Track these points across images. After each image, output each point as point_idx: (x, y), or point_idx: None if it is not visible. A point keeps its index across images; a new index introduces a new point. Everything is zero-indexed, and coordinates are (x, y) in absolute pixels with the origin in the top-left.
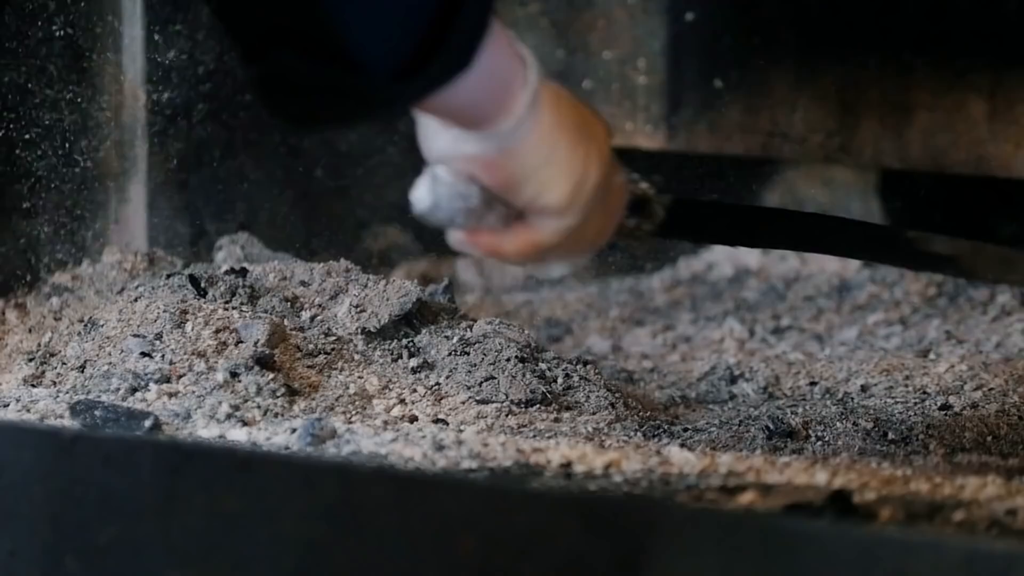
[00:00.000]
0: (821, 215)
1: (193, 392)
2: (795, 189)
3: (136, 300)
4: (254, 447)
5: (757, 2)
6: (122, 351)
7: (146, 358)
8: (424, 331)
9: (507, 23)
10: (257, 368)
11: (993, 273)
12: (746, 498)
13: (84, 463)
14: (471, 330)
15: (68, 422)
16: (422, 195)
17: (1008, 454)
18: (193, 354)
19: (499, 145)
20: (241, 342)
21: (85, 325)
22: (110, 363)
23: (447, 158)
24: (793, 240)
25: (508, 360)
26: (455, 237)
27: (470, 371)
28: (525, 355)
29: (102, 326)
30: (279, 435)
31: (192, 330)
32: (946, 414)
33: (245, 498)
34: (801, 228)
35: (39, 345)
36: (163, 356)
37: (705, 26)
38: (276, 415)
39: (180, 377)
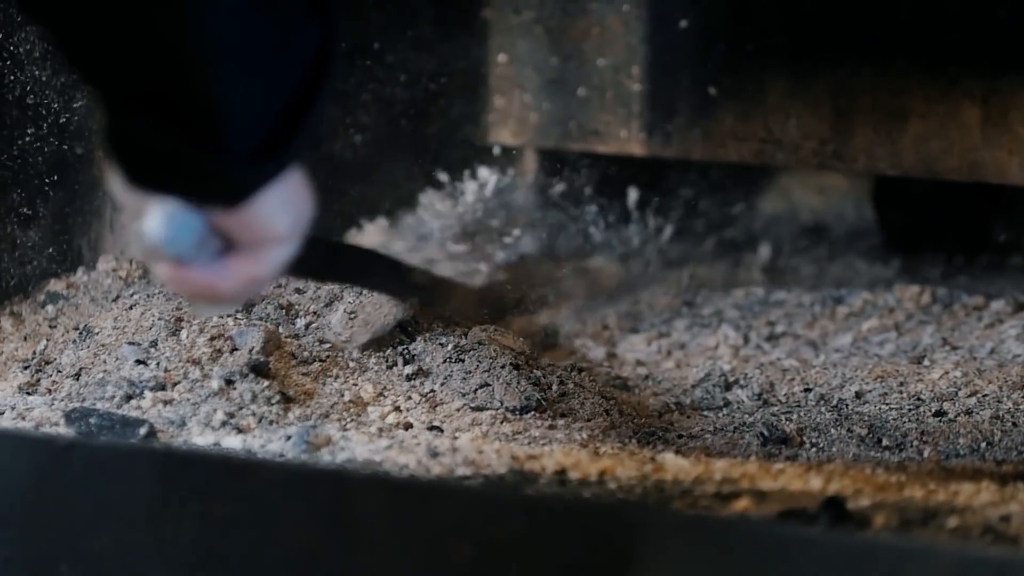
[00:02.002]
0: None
1: (188, 400)
2: (789, 196)
3: (131, 308)
4: (249, 454)
5: (750, 9)
6: (117, 359)
7: (141, 365)
8: (419, 338)
9: (502, 31)
10: (252, 375)
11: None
12: (740, 505)
13: (79, 471)
14: (465, 337)
15: (63, 430)
16: (155, 228)
17: (1002, 460)
18: (188, 361)
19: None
20: (236, 349)
21: (80, 333)
22: (105, 371)
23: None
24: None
25: (503, 367)
26: (167, 273)
27: (465, 378)
28: (519, 362)
29: (97, 334)
30: (274, 442)
31: (187, 338)
32: (940, 420)
33: (240, 506)
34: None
35: (34, 353)
36: (158, 364)
37: (699, 33)
38: (271, 422)
39: (175, 385)
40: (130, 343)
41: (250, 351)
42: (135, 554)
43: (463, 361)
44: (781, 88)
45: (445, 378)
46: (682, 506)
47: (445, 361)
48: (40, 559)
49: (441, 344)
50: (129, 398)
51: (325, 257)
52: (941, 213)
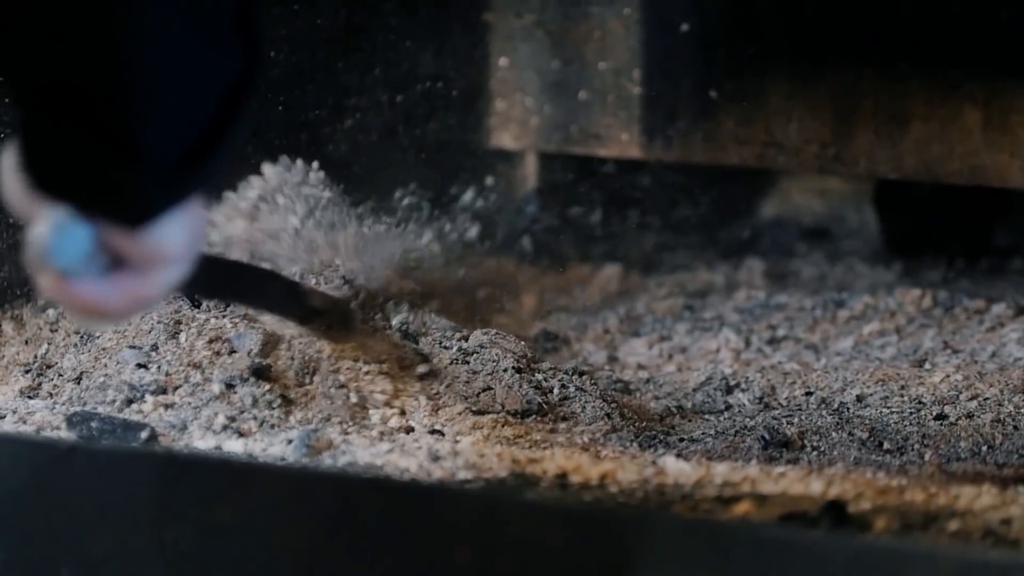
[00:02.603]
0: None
1: (189, 403)
2: (790, 199)
3: None
4: (250, 458)
5: (752, 13)
6: (118, 362)
7: (142, 369)
8: (423, 341)
9: (503, 35)
10: (253, 379)
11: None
12: (741, 508)
13: (80, 474)
14: (467, 340)
15: (65, 434)
16: (44, 237)
17: (1003, 464)
18: (188, 365)
19: None
20: (234, 351)
21: (81, 337)
22: (106, 375)
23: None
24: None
25: (505, 370)
26: (50, 284)
27: (468, 382)
28: (521, 365)
29: (98, 338)
30: (275, 446)
31: (186, 340)
32: (941, 424)
33: (241, 509)
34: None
35: (35, 357)
36: (159, 367)
37: (700, 37)
38: (272, 426)
39: (176, 388)
40: (131, 347)
41: (248, 353)
42: (136, 558)
43: (468, 363)
44: (782, 91)
45: (451, 380)
46: (683, 510)
47: (452, 363)
48: (42, 563)
49: (446, 347)
50: (130, 402)
51: (221, 276)
52: (942, 217)
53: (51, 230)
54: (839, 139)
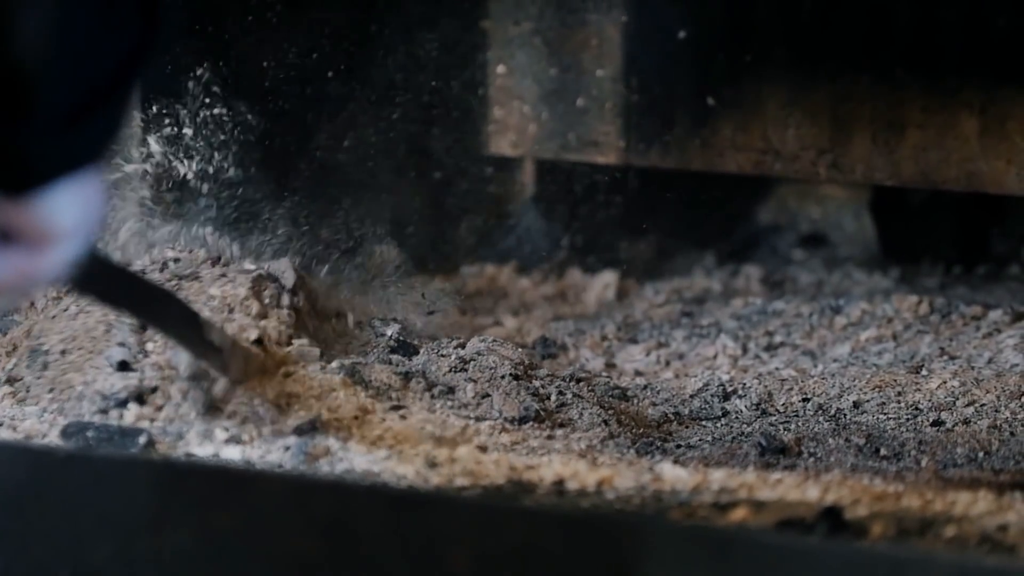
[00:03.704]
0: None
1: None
2: (788, 206)
3: (75, 317)
4: (248, 465)
5: (749, 21)
6: (90, 374)
7: (123, 371)
8: (422, 350)
9: (500, 42)
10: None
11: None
12: (738, 514)
13: (78, 482)
14: (463, 348)
15: (61, 445)
16: None
17: (999, 470)
18: (165, 372)
19: None
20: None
21: (32, 352)
22: (84, 382)
23: None
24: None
25: (502, 377)
26: None
27: (466, 389)
28: (519, 372)
29: (47, 351)
30: (273, 453)
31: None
32: (938, 430)
33: (239, 516)
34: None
35: (2, 370)
36: (140, 374)
37: (698, 44)
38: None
39: (153, 391)
40: (106, 355)
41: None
42: (135, 564)
43: (466, 371)
44: (780, 99)
45: (450, 388)
46: (680, 516)
47: (450, 371)
48: (40, 570)
49: (443, 356)
50: (106, 411)
51: (119, 283)
52: (939, 223)
53: None
54: (836, 146)
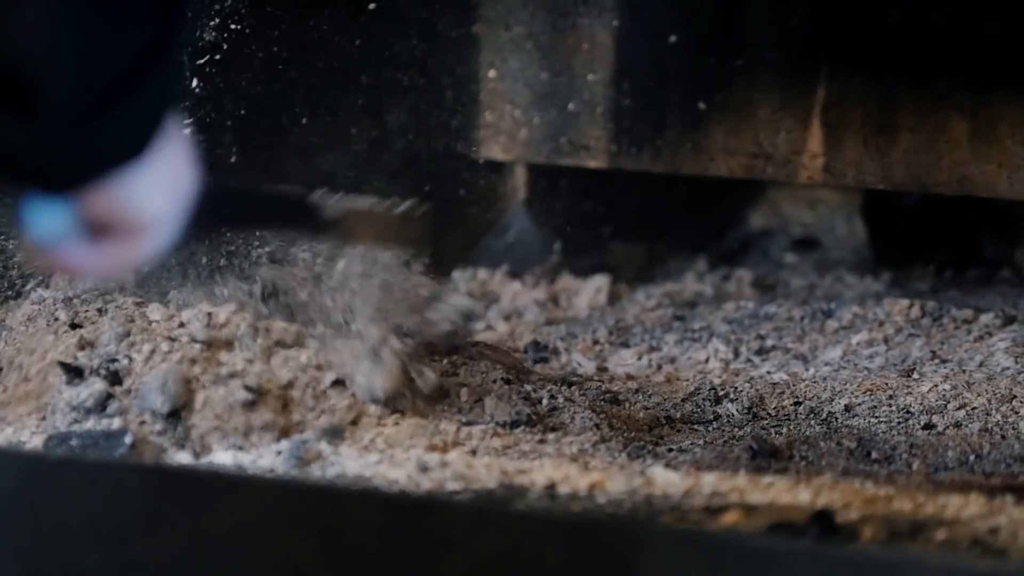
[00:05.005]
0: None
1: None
2: (779, 210)
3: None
4: (239, 470)
5: (741, 24)
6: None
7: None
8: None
9: (492, 46)
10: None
11: (370, 236)
12: (729, 518)
13: (69, 487)
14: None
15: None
16: (38, 219)
17: (990, 473)
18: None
19: None
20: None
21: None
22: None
23: None
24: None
25: (494, 381)
26: (41, 258)
27: (459, 392)
28: (511, 376)
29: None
30: (264, 457)
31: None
32: (929, 433)
33: (230, 521)
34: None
35: None
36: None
37: (689, 48)
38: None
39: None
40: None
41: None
42: (126, 570)
43: (458, 375)
44: (771, 102)
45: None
46: (671, 520)
47: (443, 375)
48: (31, 574)
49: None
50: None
51: (217, 207)
52: (930, 227)
53: (27, 209)
54: (828, 150)
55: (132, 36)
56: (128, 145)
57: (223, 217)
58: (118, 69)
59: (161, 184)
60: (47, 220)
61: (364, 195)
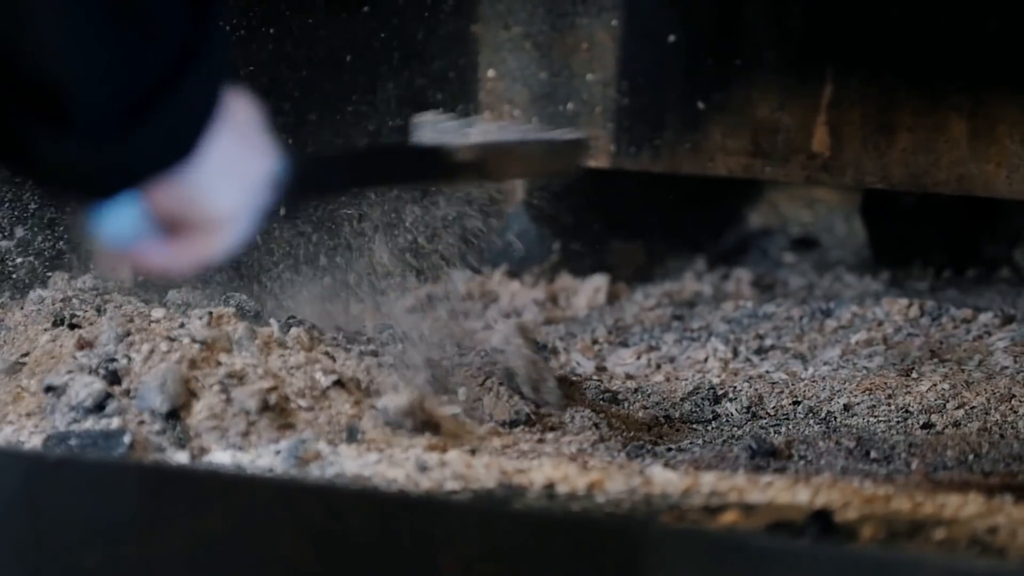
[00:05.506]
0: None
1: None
2: (778, 210)
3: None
4: (238, 469)
5: (739, 24)
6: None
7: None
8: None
9: (491, 46)
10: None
11: (512, 171)
12: (728, 517)
13: (69, 487)
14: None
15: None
16: (108, 223)
17: (989, 472)
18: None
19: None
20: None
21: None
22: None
23: None
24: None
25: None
26: (117, 258)
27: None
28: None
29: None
30: (263, 457)
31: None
32: (928, 432)
33: (229, 520)
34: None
35: None
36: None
37: (687, 48)
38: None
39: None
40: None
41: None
42: (125, 569)
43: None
44: (770, 102)
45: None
46: (670, 519)
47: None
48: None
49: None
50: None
51: (322, 176)
52: (929, 226)
53: (101, 210)
54: (826, 149)
55: (160, 43)
56: (168, 148)
57: (331, 185)
58: (147, 76)
59: (229, 177)
60: (118, 221)
61: (502, 127)
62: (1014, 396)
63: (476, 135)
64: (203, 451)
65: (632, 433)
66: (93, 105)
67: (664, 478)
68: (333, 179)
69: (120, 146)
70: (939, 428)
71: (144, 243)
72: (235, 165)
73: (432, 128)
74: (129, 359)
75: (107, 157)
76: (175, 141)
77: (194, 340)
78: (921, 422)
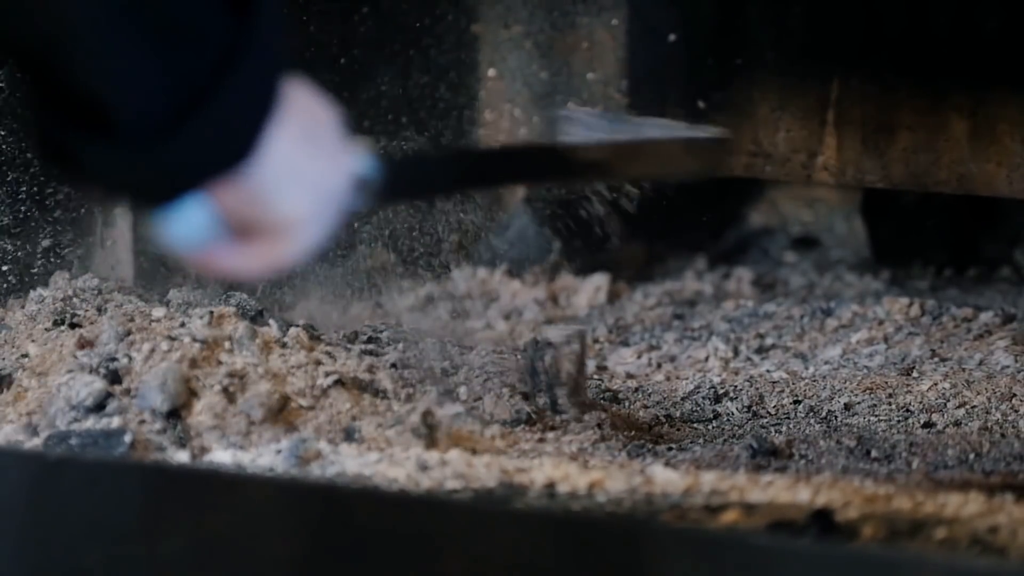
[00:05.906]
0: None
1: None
2: (779, 209)
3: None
4: (239, 469)
5: (740, 23)
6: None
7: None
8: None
9: (491, 45)
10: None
11: (641, 169)
12: (729, 517)
13: (70, 486)
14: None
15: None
16: (176, 223)
17: (990, 471)
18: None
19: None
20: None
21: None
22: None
23: None
24: (470, 180)
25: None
26: (189, 260)
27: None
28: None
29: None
30: (264, 456)
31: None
32: (929, 432)
33: (230, 520)
34: (475, 167)
35: None
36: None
37: (688, 47)
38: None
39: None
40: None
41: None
42: (126, 569)
43: (455, 374)
44: (770, 101)
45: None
46: (671, 519)
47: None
48: (32, 575)
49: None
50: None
51: (422, 172)
52: (930, 226)
53: (169, 213)
54: (827, 149)
55: (201, 45)
56: (219, 149)
57: (430, 186)
58: (189, 80)
59: (298, 177)
60: (186, 225)
61: (644, 123)
62: (1015, 395)
63: (617, 131)
64: (204, 450)
65: (633, 432)
66: (136, 111)
67: (665, 477)
68: (432, 179)
69: (166, 152)
70: (940, 427)
71: (214, 246)
72: (304, 165)
73: (578, 122)
74: (130, 358)
75: (155, 163)
76: (226, 142)
77: (195, 339)
78: (922, 421)
